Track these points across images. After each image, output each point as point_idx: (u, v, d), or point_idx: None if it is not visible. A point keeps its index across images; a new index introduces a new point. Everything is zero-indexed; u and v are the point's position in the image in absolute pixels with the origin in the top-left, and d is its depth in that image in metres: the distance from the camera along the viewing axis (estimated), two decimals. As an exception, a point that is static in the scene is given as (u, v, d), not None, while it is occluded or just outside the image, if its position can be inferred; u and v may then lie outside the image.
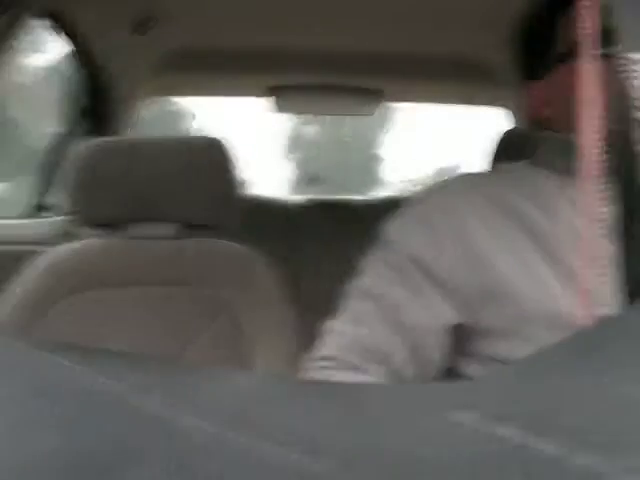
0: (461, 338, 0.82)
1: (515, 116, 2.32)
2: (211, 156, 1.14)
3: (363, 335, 0.80)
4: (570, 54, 0.82)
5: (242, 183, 1.18)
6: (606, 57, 0.74)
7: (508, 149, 1.31)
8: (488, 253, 0.78)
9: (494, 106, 2.39)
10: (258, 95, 2.30)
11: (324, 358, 0.82)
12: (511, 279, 0.77)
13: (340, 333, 0.83)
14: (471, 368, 0.83)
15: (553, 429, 0.18)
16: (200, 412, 0.20)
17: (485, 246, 0.79)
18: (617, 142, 0.62)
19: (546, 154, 0.87)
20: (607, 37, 0.50)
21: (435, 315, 0.79)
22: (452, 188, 0.86)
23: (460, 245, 0.79)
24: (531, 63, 0.93)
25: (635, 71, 0.37)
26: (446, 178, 0.93)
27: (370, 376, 0.79)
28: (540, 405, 0.20)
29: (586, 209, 0.45)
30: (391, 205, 0.97)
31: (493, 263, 0.78)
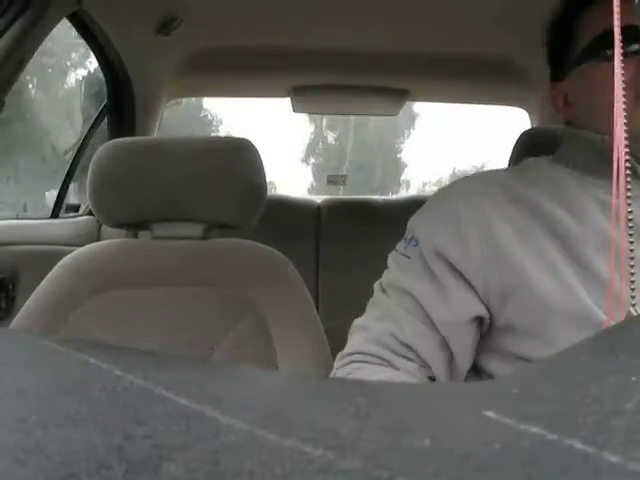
0: (484, 333, 0.83)
1: (532, 116, 2.32)
2: (241, 157, 1.15)
3: (392, 330, 0.81)
4: (588, 55, 0.83)
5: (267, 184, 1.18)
6: (634, 55, 0.74)
7: (527, 149, 1.31)
8: (513, 253, 0.79)
9: (513, 106, 2.41)
10: (280, 95, 2.31)
11: (353, 353, 0.83)
12: (535, 280, 0.77)
13: (369, 329, 0.83)
14: (493, 365, 0.83)
15: (580, 427, 0.18)
16: (230, 410, 0.21)
17: (510, 246, 0.79)
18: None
19: (567, 150, 0.88)
20: (634, 35, 0.50)
21: (461, 309, 0.80)
22: (476, 186, 0.87)
23: (486, 244, 0.80)
24: (553, 65, 0.95)
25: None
26: (469, 175, 0.93)
27: (399, 370, 0.80)
28: (565, 403, 0.20)
29: (615, 211, 0.44)
30: (412, 205, 0.97)
31: (518, 263, 0.78)
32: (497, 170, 0.92)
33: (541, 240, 0.79)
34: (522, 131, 1.36)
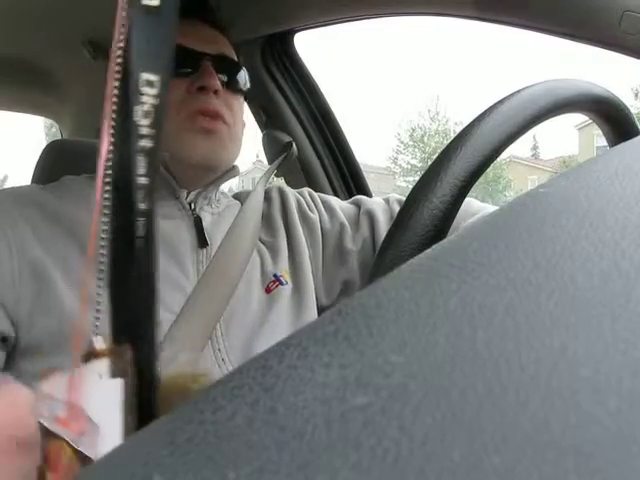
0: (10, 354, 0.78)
1: (63, 127, 2.20)
2: None
3: None
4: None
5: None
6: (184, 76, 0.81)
7: (54, 160, 1.31)
8: (46, 269, 0.76)
9: (49, 117, 2.29)
10: None
11: None
12: (63, 295, 0.75)
13: None
14: None
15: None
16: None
17: (43, 262, 0.76)
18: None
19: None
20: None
21: None
22: (7, 202, 0.81)
23: (17, 263, 0.76)
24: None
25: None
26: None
27: None
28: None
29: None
30: None
31: (51, 280, 0.75)
32: (32, 186, 0.88)
33: (73, 257, 0.77)
34: (48, 142, 1.36)
